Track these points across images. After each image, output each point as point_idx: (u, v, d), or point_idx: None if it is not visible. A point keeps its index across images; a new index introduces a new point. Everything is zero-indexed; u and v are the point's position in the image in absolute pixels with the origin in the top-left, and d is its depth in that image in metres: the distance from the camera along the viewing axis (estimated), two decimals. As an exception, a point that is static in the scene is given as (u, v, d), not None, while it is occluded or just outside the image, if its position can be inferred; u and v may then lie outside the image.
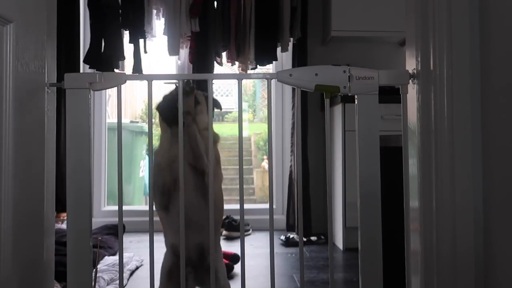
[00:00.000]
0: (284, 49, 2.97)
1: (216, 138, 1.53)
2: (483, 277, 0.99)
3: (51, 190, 1.11)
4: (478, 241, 0.99)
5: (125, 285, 1.99)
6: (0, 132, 0.92)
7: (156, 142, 1.57)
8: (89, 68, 2.89)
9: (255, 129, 5.75)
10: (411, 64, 1.11)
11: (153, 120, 1.27)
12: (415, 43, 1.09)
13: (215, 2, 2.88)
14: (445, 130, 1.01)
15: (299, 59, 3.02)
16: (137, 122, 4.98)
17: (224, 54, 2.95)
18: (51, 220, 1.12)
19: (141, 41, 2.90)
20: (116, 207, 1.18)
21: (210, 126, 1.17)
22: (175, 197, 1.42)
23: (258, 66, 3.00)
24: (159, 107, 1.51)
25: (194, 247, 1.44)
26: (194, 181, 1.44)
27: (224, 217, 2.70)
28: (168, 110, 1.46)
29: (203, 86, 1.52)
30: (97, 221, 2.98)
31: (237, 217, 2.89)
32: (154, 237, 1.11)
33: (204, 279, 1.48)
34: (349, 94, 1.09)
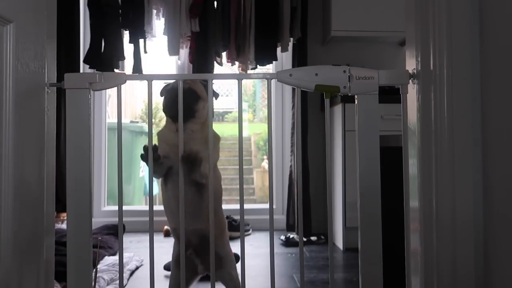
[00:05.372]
0: (284, 49, 2.97)
1: (216, 137, 1.56)
2: (483, 277, 0.99)
3: (51, 190, 1.11)
4: (478, 240, 0.99)
5: (125, 285, 1.99)
6: (0, 132, 0.92)
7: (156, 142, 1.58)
8: (89, 68, 2.90)
9: (255, 129, 5.76)
10: (411, 64, 1.11)
11: (153, 120, 1.27)
12: (415, 43, 1.09)
13: (215, 2, 2.88)
14: (445, 130, 1.01)
15: (299, 59, 3.02)
16: (137, 122, 4.98)
17: (224, 54, 2.95)
18: (51, 220, 1.12)
19: (141, 41, 2.90)
20: (116, 207, 1.18)
21: (210, 125, 1.17)
22: (173, 174, 1.47)
23: (258, 66, 3.00)
24: (164, 103, 1.56)
25: (191, 233, 1.46)
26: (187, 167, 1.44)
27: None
28: (172, 107, 1.50)
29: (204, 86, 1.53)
30: (97, 221, 2.98)
31: (237, 217, 2.89)
32: (154, 237, 1.11)
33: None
34: (349, 94, 1.09)
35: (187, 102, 1.37)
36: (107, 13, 2.82)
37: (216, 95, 1.64)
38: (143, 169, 4.52)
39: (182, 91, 1.38)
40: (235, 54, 2.94)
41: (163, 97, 1.58)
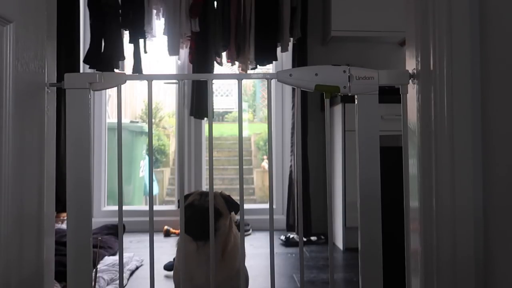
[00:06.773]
0: (284, 49, 2.97)
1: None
2: (483, 277, 0.99)
3: (51, 190, 1.11)
4: (478, 240, 0.99)
5: (125, 285, 1.99)
6: (0, 132, 0.92)
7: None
8: (89, 68, 2.90)
9: (255, 129, 5.75)
10: (411, 64, 1.11)
11: (153, 120, 1.26)
12: (415, 43, 1.09)
13: (215, 2, 2.89)
14: (445, 130, 1.01)
15: (299, 59, 3.02)
16: (137, 122, 4.97)
17: (224, 54, 2.96)
18: (51, 220, 1.12)
19: (141, 41, 2.90)
20: (116, 207, 1.18)
21: (210, 131, 1.17)
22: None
23: (258, 66, 3.00)
24: (187, 222, 1.37)
25: None
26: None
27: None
28: (192, 226, 1.40)
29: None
30: (97, 221, 2.98)
31: (237, 217, 2.89)
32: (154, 237, 1.11)
33: None
34: (349, 94, 1.09)
35: (207, 221, 1.21)
36: (107, 13, 2.82)
37: (236, 207, 1.53)
38: (143, 169, 4.52)
39: (203, 209, 1.36)
40: (235, 54, 2.94)
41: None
